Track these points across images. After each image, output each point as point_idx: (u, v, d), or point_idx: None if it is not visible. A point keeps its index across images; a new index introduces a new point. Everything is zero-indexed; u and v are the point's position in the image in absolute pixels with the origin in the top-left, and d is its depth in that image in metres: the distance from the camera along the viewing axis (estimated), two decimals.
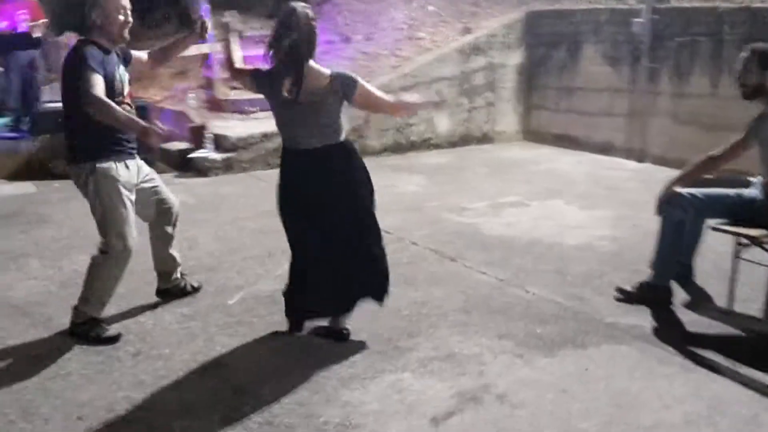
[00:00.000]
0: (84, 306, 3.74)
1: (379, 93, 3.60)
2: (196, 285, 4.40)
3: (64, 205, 6.31)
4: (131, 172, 3.73)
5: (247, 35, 10.74)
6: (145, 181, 3.90)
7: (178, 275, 4.31)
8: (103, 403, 3.14)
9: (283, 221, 3.64)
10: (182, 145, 8.04)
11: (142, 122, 3.46)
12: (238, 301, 4.30)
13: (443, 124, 9.11)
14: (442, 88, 8.92)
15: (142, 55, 4.02)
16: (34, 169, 7.75)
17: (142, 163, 3.89)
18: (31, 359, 3.55)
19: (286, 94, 3.32)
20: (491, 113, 9.47)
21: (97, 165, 3.57)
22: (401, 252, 5.14)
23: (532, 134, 9.67)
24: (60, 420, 3.03)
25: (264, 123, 8.30)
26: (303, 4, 3.43)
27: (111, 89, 3.50)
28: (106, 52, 3.58)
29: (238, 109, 8.69)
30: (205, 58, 9.60)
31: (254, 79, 3.57)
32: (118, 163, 3.64)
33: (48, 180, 7.45)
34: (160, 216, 4.06)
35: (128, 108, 3.66)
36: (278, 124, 3.53)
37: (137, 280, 4.29)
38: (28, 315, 4.09)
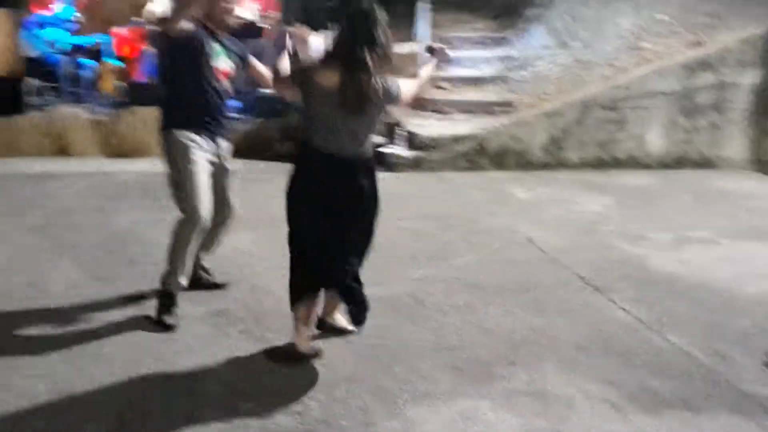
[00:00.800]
0: (165, 276, 3.94)
1: (416, 82, 3.65)
2: (218, 282, 4.38)
3: (251, 184, 6.76)
4: (209, 146, 3.91)
5: (465, 35, 10.76)
6: (219, 165, 3.99)
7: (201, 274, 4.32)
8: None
9: (295, 214, 3.44)
10: (377, 139, 8.26)
11: None
12: None
13: (656, 142, 8.40)
14: (657, 104, 8.23)
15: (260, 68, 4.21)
16: (248, 148, 8.40)
17: (225, 147, 4.03)
18: None
19: (343, 102, 3.15)
20: (715, 136, 8.53)
21: (174, 131, 3.83)
22: (546, 274, 4.85)
23: (764, 164, 8.56)
24: None
25: (458, 125, 8.30)
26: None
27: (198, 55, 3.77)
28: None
29: (437, 108, 8.74)
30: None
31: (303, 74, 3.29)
32: (195, 134, 3.85)
33: (259, 160, 8.07)
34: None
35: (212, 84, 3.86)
36: (319, 125, 3.29)
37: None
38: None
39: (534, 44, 9.91)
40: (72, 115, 8.08)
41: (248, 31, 9.09)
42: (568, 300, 4.41)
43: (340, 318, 3.81)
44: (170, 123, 3.89)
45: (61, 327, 3.80)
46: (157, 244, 4.40)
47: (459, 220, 6.05)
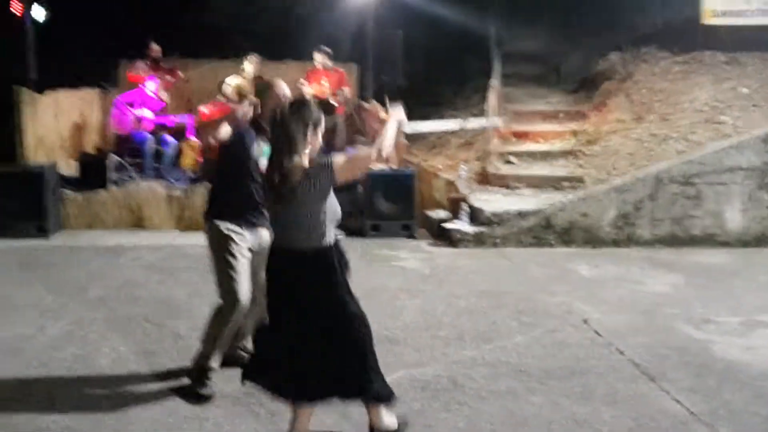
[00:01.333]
0: (198, 356, 4.03)
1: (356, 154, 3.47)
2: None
3: None
4: (251, 236, 4.02)
5: (538, 109, 10.72)
6: (259, 254, 4.00)
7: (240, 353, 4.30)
8: None
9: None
10: (441, 214, 8.24)
11: None
12: (393, 380, 4.21)
13: (735, 219, 7.97)
14: (735, 179, 7.86)
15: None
16: None
17: (266, 236, 4.00)
18: None
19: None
20: None
21: (217, 221, 3.99)
22: (598, 359, 4.61)
23: None
24: None
25: (525, 200, 8.16)
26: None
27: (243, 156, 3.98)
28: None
29: (504, 183, 8.65)
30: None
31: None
32: (237, 225, 3.97)
33: None
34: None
35: (256, 179, 3.93)
36: (272, 218, 3.36)
37: None
38: None
39: (609, 118, 9.73)
40: (149, 190, 8.47)
41: (322, 108, 9.46)
42: (617, 388, 4.15)
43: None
44: (215, 214, 4.07)
45: (97, 401, 3.88)
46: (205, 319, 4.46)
47: (513, 298, 5.88)
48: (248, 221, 4.04)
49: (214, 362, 4.01)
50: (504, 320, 5.35)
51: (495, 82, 9.72)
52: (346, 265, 3.35)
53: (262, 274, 3.78)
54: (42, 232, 7.78)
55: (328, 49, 10.08)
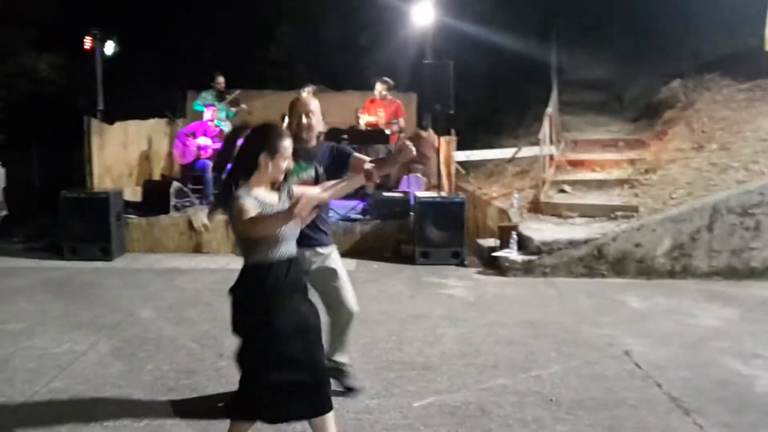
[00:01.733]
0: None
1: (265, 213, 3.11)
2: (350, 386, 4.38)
3: (366, 284, 6.96)
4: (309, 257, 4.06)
5: (597, 137, 10.62)
6: (324, 269, 4.16)
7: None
8: None
9: None
10: (491, 242, 8.23)
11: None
12: (423, 406, 4.26)
13: None
14: None
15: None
16: (364, 249, 8.66)
17: (326, 251, 4.17)
18: None
19: None
20: None
21: None
22: (633, 392, 4.51)
23: None
24: None
25: (577, 229, 8.08)
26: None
27: None
28: None
29: (557, 212, 8.59)
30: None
31: None
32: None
33: (372, 260, 8.31)
34: (331, 310, 4.23)
35: None
36: None
37: None
38: None
39: (668, 147, 9.56)
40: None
41: (375, 137, 9.65)
42: (647, 421, 4.07)
43: None
44: None
45: (134, 416, 4.05)
46: None
47: (556, 329, 5.82)
48: (300, 244, 3.73)
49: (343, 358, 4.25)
50: (543, 350, 5.31)
51: (550, 110, 9.67)
52: (286, 286, 3.20)
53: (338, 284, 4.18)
54: (106, 254, 8.17)
55: (389, 80, 10.27)
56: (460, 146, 11.72)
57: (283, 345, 3.11)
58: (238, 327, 3.24)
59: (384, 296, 6.74)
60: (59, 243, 8.37)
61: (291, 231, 3.19)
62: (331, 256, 4.22)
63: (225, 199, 3.15)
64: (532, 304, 6.67)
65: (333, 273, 4.19)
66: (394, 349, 5.26)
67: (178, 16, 14.88)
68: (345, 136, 9.22)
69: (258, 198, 3.12)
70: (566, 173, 9.70)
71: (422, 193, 8.70)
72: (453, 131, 9.25)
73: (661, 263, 7.67)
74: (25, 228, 9.94)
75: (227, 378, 4.45)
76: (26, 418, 4.03)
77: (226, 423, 3.44)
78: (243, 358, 3.22)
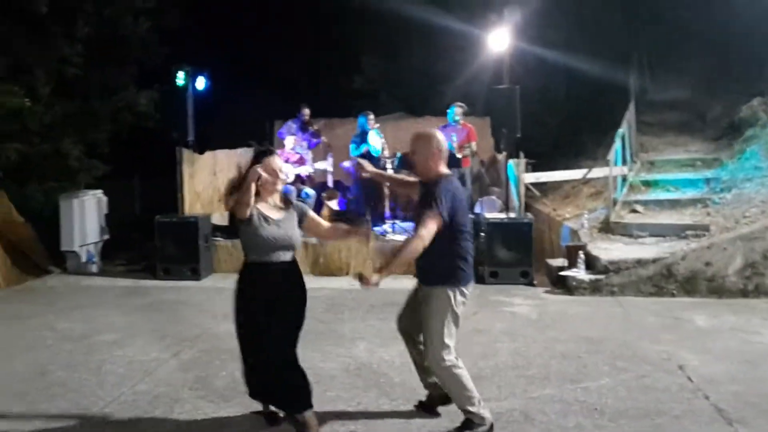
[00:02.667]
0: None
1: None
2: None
3: None
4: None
5: (675, 157, 10.53)
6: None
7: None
8: None
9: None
10: (560, 262, 8.35)
11: None
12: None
13: None
14: None
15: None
16: None
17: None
18: None
19: None
20: None
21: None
22: (680, 402, 4.61)
23: None
24: None
25: (646, 249, 8.10)
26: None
27: None
28: None
29: (627, 232, 8.61)
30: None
31: None
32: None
33: None
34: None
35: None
36: None
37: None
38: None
39: (746, 165, 9.41)
40: None
41: (448, 161, 9.94)
42: (688, 430, 4.17)
43: None
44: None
45: (205, 415, 4.50)
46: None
47: (614, 344, 5.92)
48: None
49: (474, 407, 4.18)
50: (596, 364, 5.44)
51: (622, 130, 9.71)
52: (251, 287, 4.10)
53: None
54: (195, 274, 8.81)
55: (462, 104, 10.57)
56: (541, 168, 11.89)
57: (241, 334, 4.12)
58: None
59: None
60: (154, 264, 9.08)
61: (265, 241, 3.98)
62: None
63: None
64: (595, 321, 6.77)
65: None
66: None
67: (268, 50, 15.80)
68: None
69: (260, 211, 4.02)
70: (640, 193, 9.69)
71: (491, 214, 8.93)
72: (522, 154, 9.42)
73: (733, 282, 7.58)
74: (128, 252, 10.79)
75: None
76: (113, 414, 4.55)
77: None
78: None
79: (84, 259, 9.75)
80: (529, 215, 8.80)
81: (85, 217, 9.71)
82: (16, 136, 9.47)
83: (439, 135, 4.27)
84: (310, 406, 4.03)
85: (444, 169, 4.22)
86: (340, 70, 17.13)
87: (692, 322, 6.69)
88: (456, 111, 10.24)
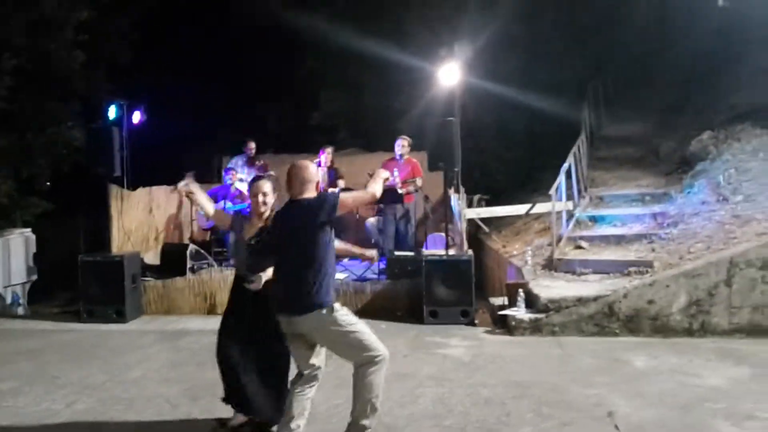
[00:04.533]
0: (363, 419, 4.12)
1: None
2: None
3: None
4: None
5: (623, 192, 10.34)
6: None
7: None
8: None
9: None
10: (499, 301, 8.03)
11: None
12: None
13: None
14: None
15: None
16: (376, 308, 8.59)
17: None
18: None
19: None
20: None
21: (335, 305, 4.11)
22: None
23: None
24: None
25: (588, 286, 7.82)
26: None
27: None
28: None
29: (571, 269, 8.32)
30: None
31: None
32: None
33: (381, 320, 8.20)
34: None
35: None
36: None
37: None
38: None
39: (693, 200, 9.21)
40: (222, 277, 8.88)
41: (388, 196, 9.65)
42: None
43: None
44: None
45: None
46: None
47: (543, 389, 5.56)
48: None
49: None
50: (520, 411, 5.08)
51: (566, 165, 9.49)
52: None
53: None
54: (120, 316, 8.35)
55: (407, 138, 10.32)
56: (496, 204, 11.66)
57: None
58: None
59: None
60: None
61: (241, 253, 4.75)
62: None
63: None
64: (528, 363, 6.41)
65: None
66: None
67: (224, 85, 15.54)
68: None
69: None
70: (586, 229, 9.44)
71: (429, 252, 8.61)
72: (462, 189, 9.17)
73: (677, 321, 7.29)
74: (67, 292, 10.30)
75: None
76: None
77: None
78: None
79: (9, 301, 9.27)
80: (469, 252, 8.48)
81: (10, 257, 9.25)
82: None
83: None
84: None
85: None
86: (299, 106, 16.91)
87: (630, 363, 6.36)
88: (398, 144, 9.96)
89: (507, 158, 15.30)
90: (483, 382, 5.83)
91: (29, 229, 9.77)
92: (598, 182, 11.34)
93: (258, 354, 4.59)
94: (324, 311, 4.02)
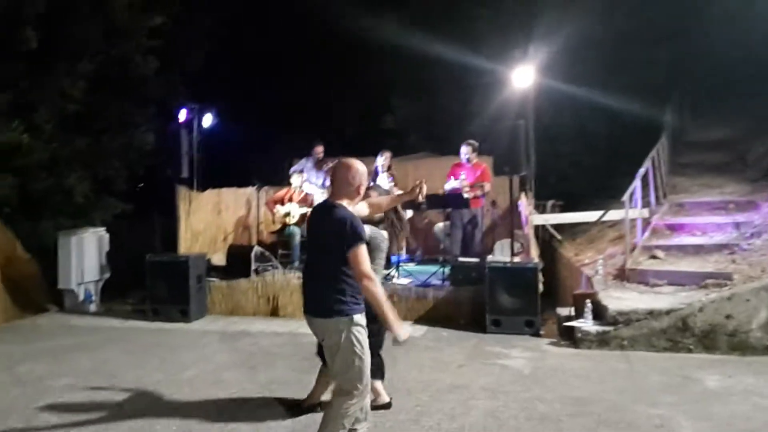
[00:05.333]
0: None
1: None
2: None
3: (422, 352, 6.76)
4: None
5: (706, 200, 9.81)
6: None
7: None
8: None
9: None
10: (565, 312, 7.69)
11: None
12: None
13: None
14: None
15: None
16: (439, 316, 8.40)
17: None
18: None
19: None
20: None
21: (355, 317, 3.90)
22: None
23: None
24: None
25: (661, 298, 7.40)
26: None
27: None
28: None
29: (643, 280, 7.90)
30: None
31: None
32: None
33: (442, 327, 8.02)
34: None
35: None
36: None
37: None
38: None
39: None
40: (285, 280, 8.88)
41: (454, 201, 9.44)
42: None
43: None
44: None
45: None
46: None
47: (604, 407, 5.26)
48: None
49: None
50: (574, 430, 4.80)
51: (642, 170, 9.03)
52: None
53: None
54: (185, 315, 8.46)
55: (473, 142, 10.09)
56: (572, 210, 11.24)
57: None
58: None
59: (432, 365, 6.43)
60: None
61: None
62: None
63: None
64: (591, 378, 6.09)
65: None
66: (410, 421, 4.96)
67: (295, 88, 15.65)
68: (423, 202, 9.05)
69: None
70: (663, 238, 8.95)
71: (494, 259, 8.35)
72: (531, 194, 8.87)
73: (757, 338, 6.79)
74: (141, 291, 10.55)
75: None
76: None
77: None
78: None
79: (81, 297, 9.54)
80: (536, 259, 8.17)
81: (84, 254, 9.52)
82: (19, 172, 9.39)
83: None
84: None
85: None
86: (370, 109, 16.86)
87: (701, 382, 5.94)
88: (463, 150, 9.75)
89: (585, 163, 14.77)
90: (540, 396, 5.56)
91: (103, 228, 10.02)
92: (680, 189, 10.80)
93: None
94: (343, 319, 3.85)
